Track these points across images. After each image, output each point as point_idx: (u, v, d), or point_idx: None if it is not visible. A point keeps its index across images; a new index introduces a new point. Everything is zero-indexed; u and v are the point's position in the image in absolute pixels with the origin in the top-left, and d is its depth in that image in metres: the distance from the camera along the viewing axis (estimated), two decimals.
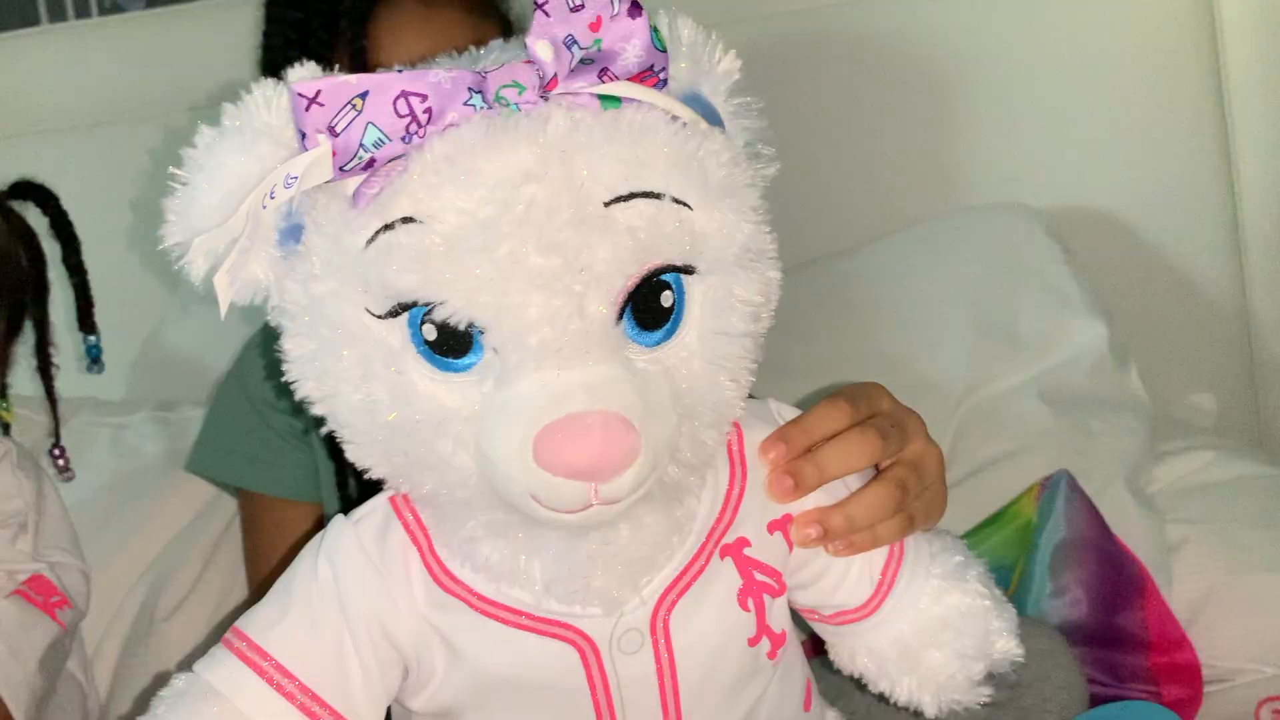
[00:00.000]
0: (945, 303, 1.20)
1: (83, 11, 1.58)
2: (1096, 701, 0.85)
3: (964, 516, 1.05)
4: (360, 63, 0.89)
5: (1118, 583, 0.96)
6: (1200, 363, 1.38)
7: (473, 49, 0.56)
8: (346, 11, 0.91)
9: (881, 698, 0.67)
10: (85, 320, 0.94)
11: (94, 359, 0.94)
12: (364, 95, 0.50)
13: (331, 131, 0.50)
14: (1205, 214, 1.38)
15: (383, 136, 0.50)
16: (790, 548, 0.62)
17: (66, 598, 0.80)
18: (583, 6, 0.50)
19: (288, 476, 0.97)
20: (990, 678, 0.80)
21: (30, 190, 0.91)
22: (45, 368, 0.91)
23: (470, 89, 0.50)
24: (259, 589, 0.93)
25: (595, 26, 0.51)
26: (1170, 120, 1.36)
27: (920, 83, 1.35)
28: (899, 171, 1.37)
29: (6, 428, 0.89)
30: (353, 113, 0.50)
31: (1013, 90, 1.34)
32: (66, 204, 0.99)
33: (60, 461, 0.90)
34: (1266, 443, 1.39)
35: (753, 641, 0.62)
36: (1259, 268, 1.39)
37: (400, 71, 0.50)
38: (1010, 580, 1.01)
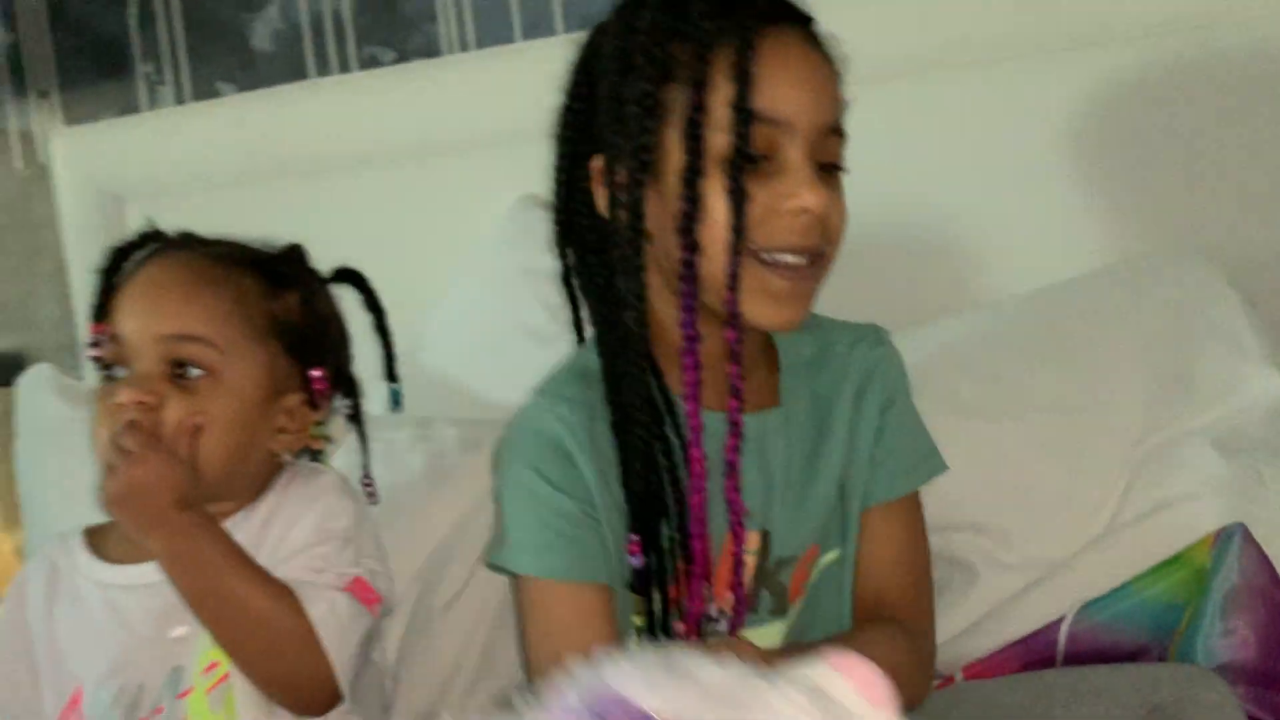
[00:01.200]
0: (1124, 348, 1.27)
1: (345, 67, 1.82)
2: None
3: (1136, 558, 1.13)
4: (744, 86, 0.86)
5: None
6: None
7: None
8: (729, 33, 0.87)
9: None
10: (390, 372, 1.14)
11: (396, 402, 1.14)
12: None
13: None
14: None
15: None
16: None
17: (379, 596, 0.98)
18: None
19: (591, 558, 0.93)
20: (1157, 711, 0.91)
21: (349, 275, 1.11)
22: (358, 414, 1.11)
23: None
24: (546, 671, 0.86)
25: None
26: None
27: None
28: None
29: (316, 454, 1.10)
30: None
31: None
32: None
33: (369, 489, 1.08)
34: None
35: None
36: None
37: None
38: (1181, 620, 1.10)
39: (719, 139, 0.86)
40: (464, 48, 1.78)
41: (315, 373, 1.02)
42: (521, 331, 1.53)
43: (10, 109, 2.03)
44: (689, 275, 0.88)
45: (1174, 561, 1.12)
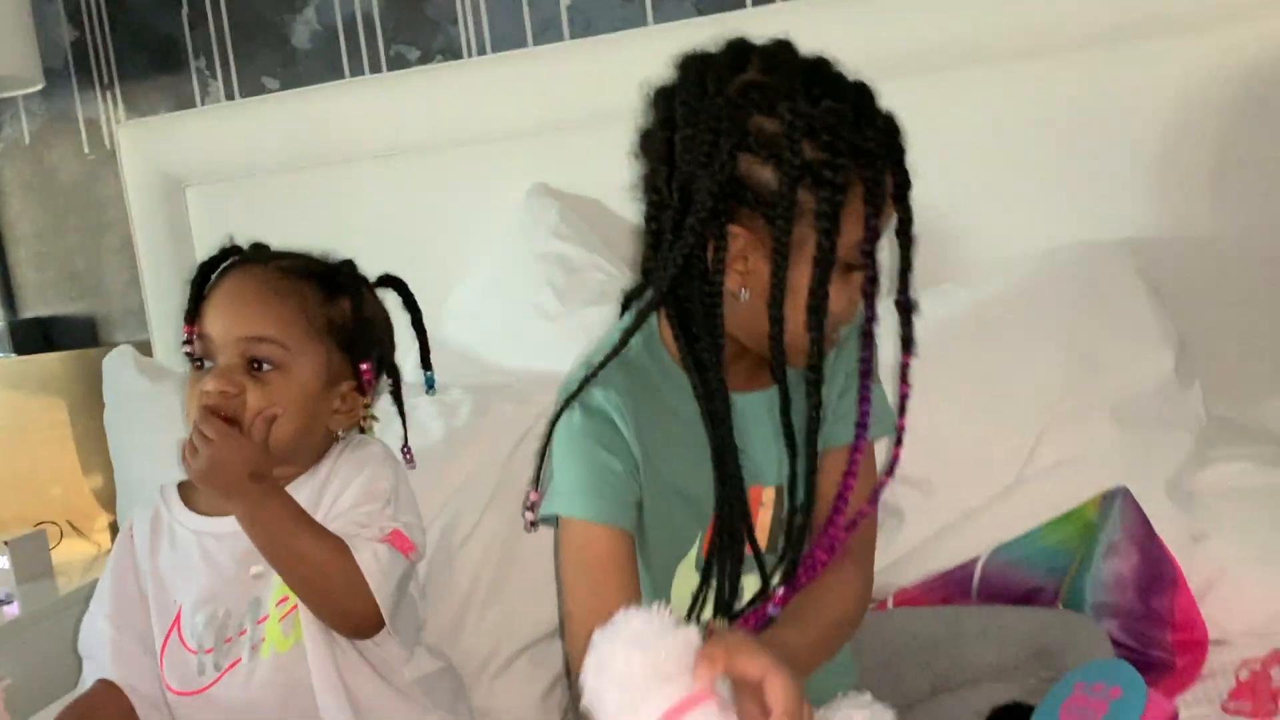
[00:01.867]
0: (1042, 327, 1.46)
1: (375, 63, 2.02)
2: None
3: (1039, 510, 1.35)
4: (905, 203, 0.99)
5: (1156, 575, 1.25)
6: None
7: None
8: (871, 152, 0.96)
9: None
10: (425, 361, 1.32)
11: (430, 386, 1.32)
12: None
13: None
14: None
15: None
16: None
17: (414, 546, 1.18)
18: None
19: (627, 510, 1.05)
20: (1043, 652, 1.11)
21: (391, 281, 1.29)
22: (398, 396, 1.30)
23: None
24: (588, 613, 1.00)
25: None
26: None
27: None
28: None
29: (363, 431, 1.31)
30: None
31: None
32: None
33: (408, 457, 1.29)
34: None
35: None
36: None
37: None
38: (1072, 564, 1.31)
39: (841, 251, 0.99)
40: (481, 50, 1.98)
41: (364, 365, 1.21)
42: (532, 309, 1.74)
43: (77, 99, 2.25)
44: (777, 338, 1.02)
45: (1068, 516, 1.34)
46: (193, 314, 1.17)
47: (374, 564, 1.12)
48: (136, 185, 2.09)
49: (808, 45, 1.02)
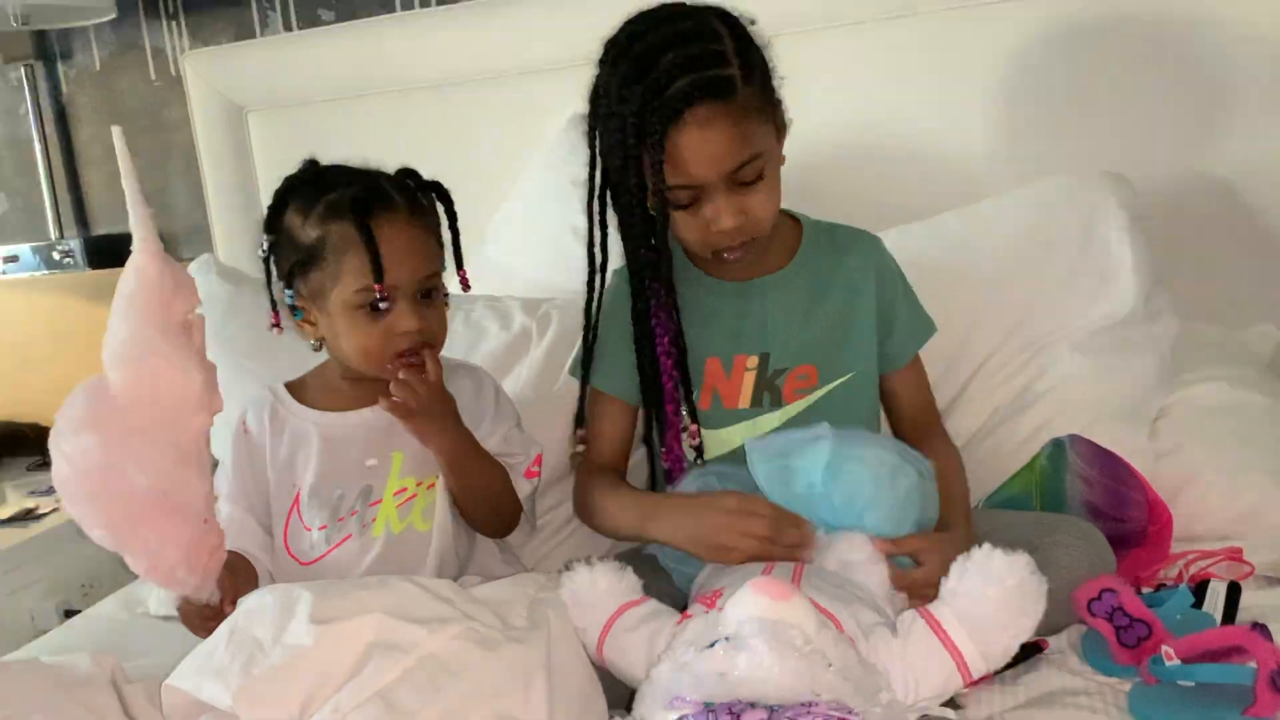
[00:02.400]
0: (1020, 260, 1.56)
1: (425, 2, 2.13)
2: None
3: (1002, 443, 1.48)
4: (659, 169, 1.17)
5: (1117, 471, 1.34)
6: (1270, 297, 1.73)
7: None
8: (650, 125, 1.16)
9: None
10: (459, 262, 1.37)
11: (465, 285, 1.39)
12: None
13: None
14: None
15: None
16: None
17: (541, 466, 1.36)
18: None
19: (624, 381, 1.37)
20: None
21: (431, 185, 1.32)
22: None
23: None
24: (590, 454, 1.40)
25: None
26: None
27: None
28: None
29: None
30: None
31: None
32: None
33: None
34: None
35: None
36: None
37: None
38: (1032, 504, 1.37)
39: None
40: None
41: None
42: (568, 230, 1.87)
43: (144, 28, 2.39)
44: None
45: (1021, 472, 1.42)
46: (379, 271, 1.20)
47: (527, 490, 1.35)
48: (201, 111, 2.23)
49: None
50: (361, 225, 1.21)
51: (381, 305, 1.22)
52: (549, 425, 1.47)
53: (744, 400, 1.35)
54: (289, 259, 1.27)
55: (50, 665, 1.11)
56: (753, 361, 1.35)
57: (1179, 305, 1.60)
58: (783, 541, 1.14)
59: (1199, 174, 1.72)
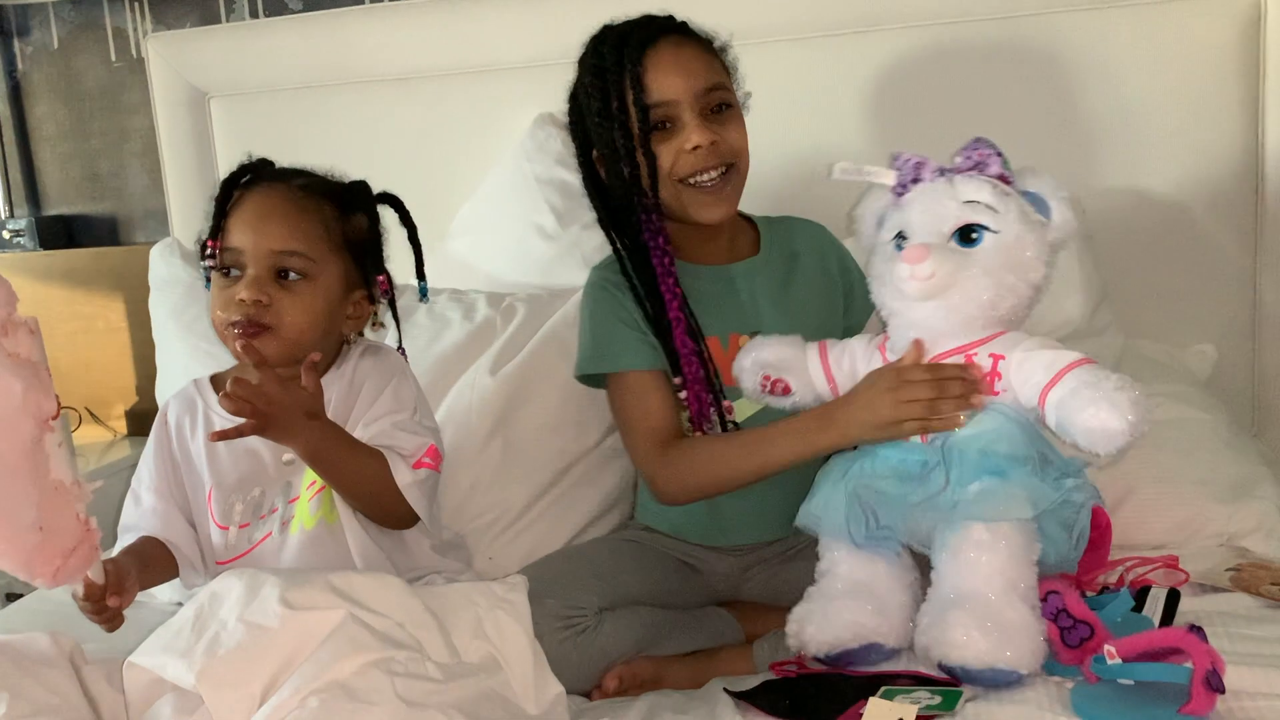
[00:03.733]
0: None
1: None
2: None
3: None
4: (639, 88, 1.34)
5: None
6: (1208, 317, 1.80)
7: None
8: (628, 52, 1.34)
9: None
10: (420, 272, 1.43)
11: (423, 295, 1.44)
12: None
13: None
14: (1233, 198, 1.78)
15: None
16: None
17: (441, 455, 1.29)
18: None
19: (650, 353, 1.39)
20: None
21: (386, 198, 1.39)
22: (393, 302, 1.40)
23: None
24: (650, 435, 1.39)
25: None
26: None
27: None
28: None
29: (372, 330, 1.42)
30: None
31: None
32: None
33: (404, 358, 1.40)
34: (1260, 388, 1.82)
35: None
36: (1272, 244, 1.78)
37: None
38: None
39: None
40: None
41: (381, 277, 1.34)
42: (532, 229, 1.89)
43: (105, 8, 2.36)
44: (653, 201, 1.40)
45: None
46: (217, 229, 1.26)
47: (408, 479, 1.25)
48: (163, 94, 2.21)
49: None
50: (227, 188, 1.27)
51: (207, 261, 1.25)
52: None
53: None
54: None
55: (7, 643, 1.10)
56: (746, 340, 1.40)
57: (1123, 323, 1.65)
58: (949, 394, 1.19)
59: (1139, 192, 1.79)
